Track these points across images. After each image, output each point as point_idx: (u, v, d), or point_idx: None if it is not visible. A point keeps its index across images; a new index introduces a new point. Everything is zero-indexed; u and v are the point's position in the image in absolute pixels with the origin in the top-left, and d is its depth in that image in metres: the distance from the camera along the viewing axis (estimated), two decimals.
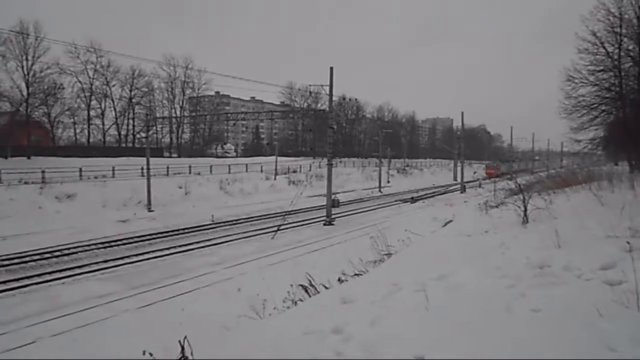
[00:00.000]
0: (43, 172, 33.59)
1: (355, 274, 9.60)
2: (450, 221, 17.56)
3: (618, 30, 21.03)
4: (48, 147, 50.73)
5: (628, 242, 5.34)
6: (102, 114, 60.93)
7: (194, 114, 74.20)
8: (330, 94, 33.48)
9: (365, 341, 4.38)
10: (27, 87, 46.38)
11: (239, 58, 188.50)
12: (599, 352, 3.35)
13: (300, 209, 37.03)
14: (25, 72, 46.32)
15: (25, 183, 32.49)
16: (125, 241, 25.17)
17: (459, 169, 65.58)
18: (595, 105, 22.75)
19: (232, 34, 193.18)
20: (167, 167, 44.46)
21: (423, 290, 5.37)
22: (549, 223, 8.12)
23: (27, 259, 20.90)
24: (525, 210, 9.87)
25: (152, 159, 36.87)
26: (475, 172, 77.85)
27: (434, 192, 55.72)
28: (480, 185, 43.87)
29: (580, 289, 4.70)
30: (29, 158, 43.06)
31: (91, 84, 58.51)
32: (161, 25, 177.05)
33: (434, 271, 6.71)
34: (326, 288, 8.66)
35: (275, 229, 28.68)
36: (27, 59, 46.28)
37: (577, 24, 21.83)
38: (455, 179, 72.52)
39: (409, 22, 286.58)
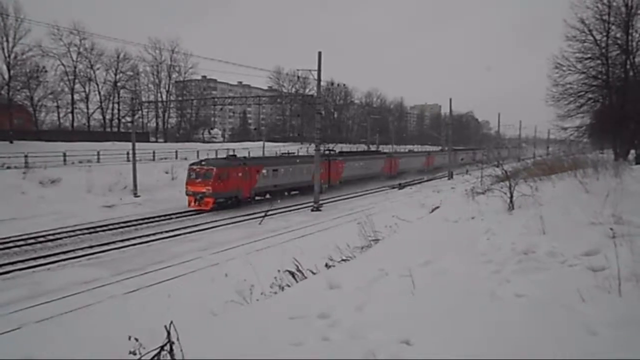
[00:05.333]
0: (26, 156, 33.05)
1: (343, 260, 9.63)
2: (437, 207, 17.67)
3: (606, 18, 21.16)
4: (31, 132, 49.80)
5: (611, 229, 5.40)
6: (87, 97, 59.85)
7: (180, 98, 73.27)
8: (319, 79, 33.22)
9: (351, 326, 4.40)
10: (9, 70, 45.26)
11: (226, 42, 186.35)
12: (580, 336, 3.40)
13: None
14: (6, 55, 45.16)
15: (8, 168, 31.95)
16: (110, 227, 24.95)
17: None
18: (582, 92, 22.97)
19: (218, 17, 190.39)
20: (153, 152, 44.01)
21: (409, 276, 5.40)
22: (534, 209, 8.19)
23: (11, 244, 20.62)
24: (511, 196, 9.95)
25: (137, 144, 36.44)
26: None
27: (421, 178, 56.02)
28: (467, 172, 44.12)
29: (564, 274, 4.76)
30: (11, 142, 42.20)
31: (75, 67, 57.30)
32: (147, 8, 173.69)
33: (420, 257, 6.75)
34: (313, 273, 8.67)
35: (263, 214, 28.66)
36: (7, 41, 45.05)
37: (566, 11, 21.92)
38: None
39: (398, 10, 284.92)
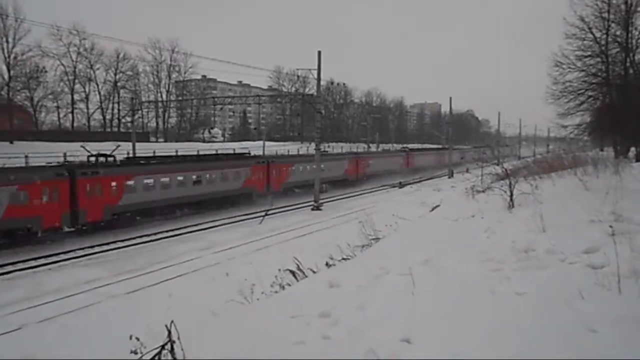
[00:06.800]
0: (26, 157, 33.00)
1: (343, 259, 9.63)
2: (438, 206, 17.68)
3: (606, 15, 21.15)
4: (31, 132, 49.88)
5: (611, 226, 5.41)
6: (87, 98, 59.97)
7: (180, 98, 73.32)
8: (318, 78, 33.24)
9: (352, 325, 4.40)
10: (9, 70, 45.46)
11: (226, 42, 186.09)
12: (580, 333, 3.41)
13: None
14: (6, 55, 45.38)
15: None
16: (111, 226, 24.93)
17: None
18: (582, 90, 22.94)
19: (218, 17, 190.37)
20: (154, 152, 43.95)
21: (410, 274, 5.40)
22: (534, 208, 8.19)
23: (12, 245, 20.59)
24: (511, 195, 9.97)
25: (138, 144, 36.49)
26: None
27: (421, 177, 55.99)
28: (467, 170, 44.05)
29: (564, 272, 4.77)
30: (11, 143, 42.26)
31: (75, 67, 57.40)
32: (146, 8, 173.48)
33: (420, 255, 6.75)
34: (314, 272, 8.68)
35: (263, 213, 28.68)
36: (7, 41, 45.29)
37: (565, 9, 21.90)
38: None
39: (398, 9, 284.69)
